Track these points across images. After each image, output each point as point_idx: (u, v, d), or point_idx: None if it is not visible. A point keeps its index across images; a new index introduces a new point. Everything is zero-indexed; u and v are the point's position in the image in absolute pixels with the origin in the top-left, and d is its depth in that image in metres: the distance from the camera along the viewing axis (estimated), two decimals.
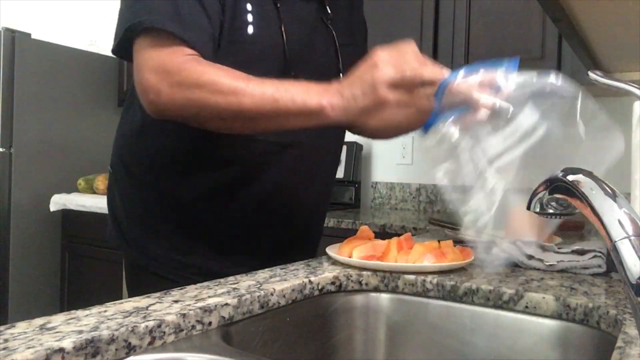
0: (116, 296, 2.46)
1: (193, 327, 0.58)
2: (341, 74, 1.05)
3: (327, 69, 1.02)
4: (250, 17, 0.89)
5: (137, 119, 0.98)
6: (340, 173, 2.57)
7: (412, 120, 0.75)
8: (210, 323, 0.60)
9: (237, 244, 0.99)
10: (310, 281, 0.76)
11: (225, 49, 0.87)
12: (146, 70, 0.80)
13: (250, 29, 0.88)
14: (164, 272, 0.96)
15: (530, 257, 0.91)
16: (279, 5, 0.91)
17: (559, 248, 0.93)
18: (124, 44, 0.84)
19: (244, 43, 0.88)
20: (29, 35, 2.74)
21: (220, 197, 0.96)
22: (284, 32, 0.91)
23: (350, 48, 1.07)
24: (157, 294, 0.64)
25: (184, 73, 0.79)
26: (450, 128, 0.69)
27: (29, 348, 0.44)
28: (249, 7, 0.88)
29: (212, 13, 0.84)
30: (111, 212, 1.05)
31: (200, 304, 0.60)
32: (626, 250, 0.42)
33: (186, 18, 0.81)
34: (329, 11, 1.01)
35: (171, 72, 0.79)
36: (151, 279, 0.96)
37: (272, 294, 0.68)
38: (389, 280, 0.81)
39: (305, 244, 1.11)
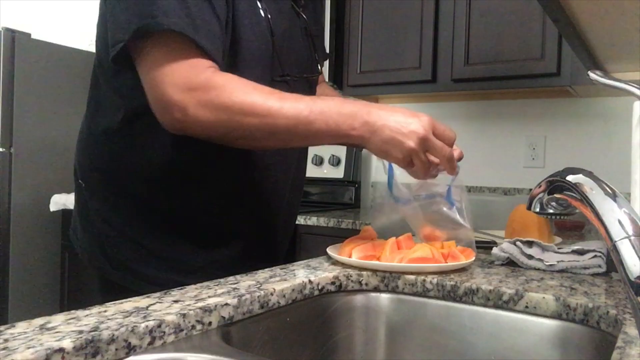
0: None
1: (193, 327, 0.58)
2: (319, 66, 1.06)
3: (305, 60, 1.01)
4: (243, 16, 0.85)
5: (129, 131, 0.90)
6: (340, 173, 2.56)
7: (404, 165, 0.84)
8: (210, 323, 0.60)
9: (233, 254, 0.96)
10: (310, 281, 0.76)
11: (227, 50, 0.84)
12: (168, 85, 0.75)
13: (245, 28, 0.86)
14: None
15: (530, 257, 0.91)
16: None
17: (559, 248, 0.93)
18: (122, 52, 0.76)
19: (240, 42, 0.85)
20: (29, 35, 2.74)
21: (216, 211, 0.93)
22: (272, 26, 0.89)
23: (319, 40, 1.06)
24: (157, 294, 0.64)
25: (213, 92, 0.75)
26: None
27: (29, 348, 0.44)
28: (241, 5, 0.85)
29: (221, 14, 0.80)
30: (89, 230, 0.95)
31: (200, 304, 0.60)
32: (626, 250, 0.42)
33: (197, 21, 0.76)
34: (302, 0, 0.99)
35: (198, 89, 0.75)
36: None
37: (272, 294, 0.68)
38: (389, 280, 0.81)
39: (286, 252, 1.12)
